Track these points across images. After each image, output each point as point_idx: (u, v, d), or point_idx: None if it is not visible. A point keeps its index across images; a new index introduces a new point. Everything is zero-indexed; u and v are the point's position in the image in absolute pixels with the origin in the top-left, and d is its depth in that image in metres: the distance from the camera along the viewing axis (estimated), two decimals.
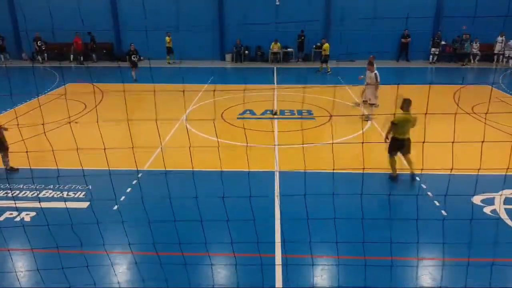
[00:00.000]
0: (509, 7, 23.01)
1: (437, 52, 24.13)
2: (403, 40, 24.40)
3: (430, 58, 24.35)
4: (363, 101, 13.30)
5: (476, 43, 23.76)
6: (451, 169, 5.16)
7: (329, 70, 21.71)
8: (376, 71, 12.80)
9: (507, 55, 23.39)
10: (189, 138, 6.54)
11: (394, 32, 24.11)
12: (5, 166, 9.53)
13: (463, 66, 23.48)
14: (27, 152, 5.23)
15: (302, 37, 24.59)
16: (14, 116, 13.36)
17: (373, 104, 12.89)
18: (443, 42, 24.25)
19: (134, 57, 18.99)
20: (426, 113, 4.80)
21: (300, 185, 8.02)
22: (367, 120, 12.92)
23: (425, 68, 23.65)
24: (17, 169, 9.53)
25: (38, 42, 24.66)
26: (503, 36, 23.14)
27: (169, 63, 24.15)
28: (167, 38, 23.81)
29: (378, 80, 12.71)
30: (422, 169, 7.82)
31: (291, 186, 8.59)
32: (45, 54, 25.10)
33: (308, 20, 22.31)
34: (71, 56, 25.24)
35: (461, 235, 6.69)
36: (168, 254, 6.26)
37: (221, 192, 5.90)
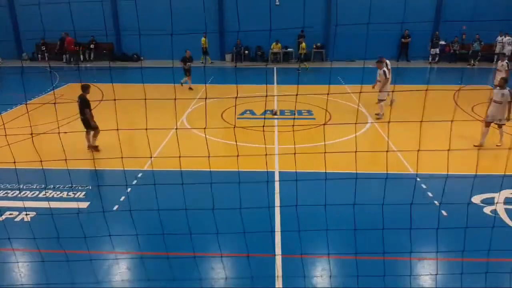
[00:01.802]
0: (507, 7, 23.07)
1: (437, 52, 24.10)
2: (403, 40, 24.42)
3: (430, 58, 24.33)
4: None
5: (477, 42, 23.74)
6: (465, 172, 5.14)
7: (299, 69, 22.65)
8: (384, 68, 13.07)
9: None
10: (208, 140, 6.53)
11: (395, 32, 24.14)
12: (89, 143, 10.56)
13: (471, 67, 23.46)
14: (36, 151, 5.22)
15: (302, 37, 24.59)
16: (14, 116, 13.36)
17: (382, 100, 13.17)
18: (442, 42, 24.22)
19: (189, 64, 17.63)
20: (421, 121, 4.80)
21: (301, 185, 8.03)
22: (379, 118, 13.15)
23: (425, 68, 23.64)
24: (97, 147, 10.58)
25: (65, 43, 24.72)
26: (503, 36, 23.13)
27: (202, 62, 24.16)
28: (203, 40, 23.93)
29: (387, 76, 12.98)
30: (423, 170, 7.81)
31: (291, 186, 8.57)
32: (68, 54, 25.22)
33: (308, 22, 22.34)
34: (64, 56, 25.28)
35: (461, 235, 6.69)
36: (168, 254, 6.25)
37: (221, 192, 5.92)
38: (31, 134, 6.40)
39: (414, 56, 24.70)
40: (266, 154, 9.71)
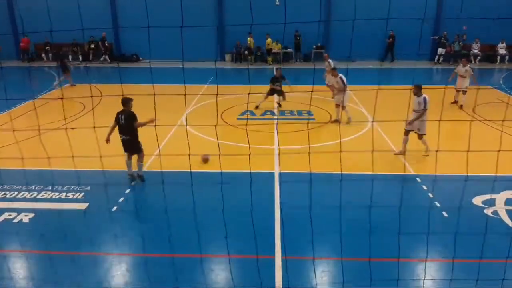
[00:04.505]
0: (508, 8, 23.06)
1: (443, 53, 24.02)
2: (387, 40, 24.49)
3: (436, 59, 24.24)
4: (336, 104, 12.88)
5: (476, 43, 23.72)
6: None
7: (271, 64, 24.38)
8: (341, 75, 12.51)
9: None
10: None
11: (395, 32, 24.15)
12: (138, 172, 8.92)
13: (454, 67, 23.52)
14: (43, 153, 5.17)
15: (298, 37, 24.63)
16: (13, 116, 13.33)
17: (345, 106, 12.66)
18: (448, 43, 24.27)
19: (277, 85, 14.33)
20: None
21: (300, 185, 8.00)
22: (349, 122, 12.72)
23: (427, 69, 23.62)
24: (142, 179, 8.92)
25: (106, 43, 24.90)
26: (504, 43, 23.46)
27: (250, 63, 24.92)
28: (249, 39, 24.45)
29: (345, 83, 12.39)
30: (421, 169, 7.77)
31: (291, 186, 8.55)
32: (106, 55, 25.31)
33: (308, 21, 22.32)
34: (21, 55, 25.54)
35: (462, 237, 6.65)
36: (167, 255, 6.22)
37: (220, 193, 5.87)
38: (14, 136, 6.35)
39: (414, 55, 24.67)
40: (262, 153, 9.68)
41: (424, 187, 8.53)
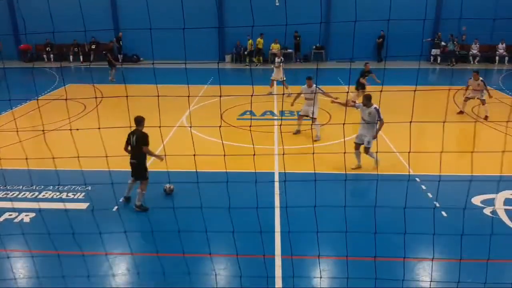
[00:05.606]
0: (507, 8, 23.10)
1: (438, 53, 24.06)
2: (377, 40, 24.55)
3: (431, 59, 24.31)
4: (304, 115, 11.86)
5: (475, 44, 23.75)
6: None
7: (258, 63, 24.80)
8: (314, 85, 11.84)
9: None
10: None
11: (394, 33, 24.11)
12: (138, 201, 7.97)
13: (451, 66, 23.60)
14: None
15: (298, 38, 24.69)
16: (13, 116, 13.36)
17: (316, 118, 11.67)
18: (442, 43, 24.28)
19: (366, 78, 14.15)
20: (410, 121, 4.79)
21: (300, 185, 8.04)
22: (317, 140, 11.58)
23: (426, 69, 23.66)
24: (147, 209, 7.89)
25: (120, 42, 24.93)
26: (504, 43, 23.55)
27: (257, 64, 24.85)
28: (259, 40, 24.42)
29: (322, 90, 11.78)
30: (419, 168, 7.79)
31: (291, 187, 8.59)
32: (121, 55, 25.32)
33: (307, 21, 22.35)
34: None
35: (461, 236, 6.69)
36: (168, 255, 6.25)
37: (220, 193, 5.91)
38: (15, 136, 6.39)
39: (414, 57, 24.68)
40: (262, 153, 9.71)
41: (424, 187, 8.56)
